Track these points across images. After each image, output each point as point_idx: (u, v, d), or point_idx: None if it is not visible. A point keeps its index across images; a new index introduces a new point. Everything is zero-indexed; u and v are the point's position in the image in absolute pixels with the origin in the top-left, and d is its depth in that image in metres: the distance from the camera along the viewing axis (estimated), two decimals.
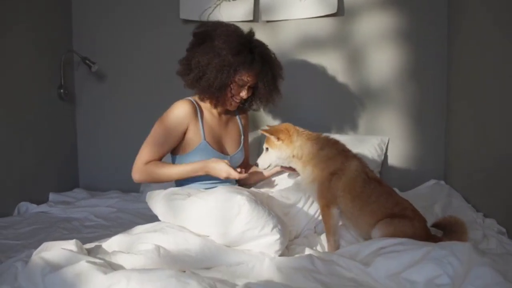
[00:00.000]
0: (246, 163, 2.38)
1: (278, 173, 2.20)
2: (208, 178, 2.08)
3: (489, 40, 2.21)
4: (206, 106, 2.19)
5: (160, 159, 2.09)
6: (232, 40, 2.06)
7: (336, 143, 1.95)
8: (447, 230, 1.77)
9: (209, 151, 2.08)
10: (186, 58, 2.15)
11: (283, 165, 2.00)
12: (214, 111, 2.21)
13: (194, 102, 2.13)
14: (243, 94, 2.13)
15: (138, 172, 2.05)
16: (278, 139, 1.88)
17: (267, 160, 1.95)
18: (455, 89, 2.76)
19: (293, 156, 1.89)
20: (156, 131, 2.07)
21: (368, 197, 1.81)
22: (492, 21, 2.17)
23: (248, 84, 2.12)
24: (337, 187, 1.81)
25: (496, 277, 1.26)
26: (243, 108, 2.30)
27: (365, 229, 1.80)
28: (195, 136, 2.09)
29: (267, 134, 1.91)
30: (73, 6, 3.25)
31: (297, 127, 1.97)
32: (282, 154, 1.90)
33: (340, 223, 1.90)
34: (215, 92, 2.06)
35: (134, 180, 2.08)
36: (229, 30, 2.12)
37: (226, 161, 1.96)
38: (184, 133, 2.08)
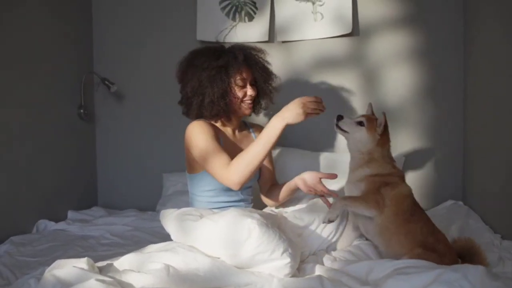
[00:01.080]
0: (272, 179, 2.36)
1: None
2: (223, 199, 2.10)
3: (506, 57, 2.19)
4: (220, 125, 2.23)
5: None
6: (207, 51, 2.17)
7: (401, 172, 2.03)
8: (463, 255, 1.74)
9: None
10: (182, 96, 2.24)
11: (351, 145, 1.97)
12: (229, 130, 2.23)
13: (207, 122, 2.15)
14: (250, 92, 2.16)
15: (230, 175, 1.93)
16: (383, 133, 1.91)
17: (352, 129, 1.93)
18: (472, 108, 2.74)
19: (369, 153, 1.90)
20: (202, 148, 2.01)
21: (409, 217, 1.81)
22: (508, 38, 2.15)
23: (248, 82, 2.17)
24: (385, 195, 1.81)
25: None
26: (255, 112, 2.33)
27: (395, 249, 1.78)
28: None
29: (382, 120, 1.91)
30: (93, 29, 3.34)
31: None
32: (368, 143, 1.90)
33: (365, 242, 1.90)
34: (221, 104, 2.09)
35: (234, 185, 1.94)
36: (200, 48, 2.24)
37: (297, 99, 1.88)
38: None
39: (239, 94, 2.14)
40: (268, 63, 2.30)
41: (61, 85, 3.00)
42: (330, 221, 1.82)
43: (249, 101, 2.18)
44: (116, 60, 3.32)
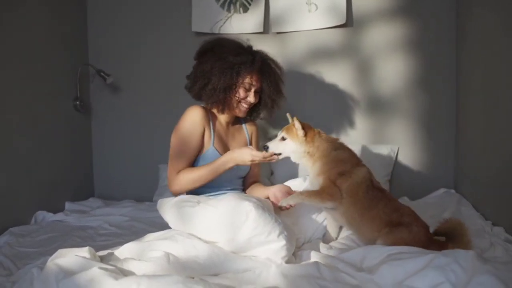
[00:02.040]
0: (256, 176, 2.41)
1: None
2: (217, 187, 2.15)
3: (498, 48, 2.22)
4: (215, 114, 2.27)
5: (191, 164, 2.14)
6: (232, 44, 2.20)
7: (350, 149, 2.03)
8: (449, 235, 1.79)
9: (216, 157, 2.13)
10: (192, 72, 2.26)
11: (292, 158, 2.01)
12: (223, 121, 2.28)
13: (205, 108, 2.20)
14: (251, 98, 2.19)
15: (173, 184, 2.10)
16: (305, 134, 1.94)
17: (280, 148, 1.97)
18: (464, 97, 2.78)
19: (308, 152, 1.95)
20: (177, 141, 2.13)
21: (369, 203, 1.86)
22: (500, 29, 2.18)
23: (254, 89, 2.19)
24: (341, 187, 1.86)
25: (497, 285, 1.28)
26: (251, 117, 2.37)
27: (368, 236, 1.84)
28: (206, 141, 2.16)
29: (298, 125, 1.94)
30: (88, 21, 3.35)
31: (318, 130, 2.04)
32: (299, 148, 1.95)
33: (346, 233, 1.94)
34: (220, 96, 2.13)
35: (172, 193, 2.12)
36: (229, 38, 2.28)
37: (249, 146, 2.02)
38: (203, 136, 2.14)
39: (241, 94, 2.17)
40: (282, 81, 2.35)
41: (56, 78, 3.02)
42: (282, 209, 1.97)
43: (246, 106, 2.21)
44: (111, 51, 3.33)
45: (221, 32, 3.09)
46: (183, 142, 2.11)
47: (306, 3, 2.99)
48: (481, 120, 2.47)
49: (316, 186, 1.94)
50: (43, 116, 2.87)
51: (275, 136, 2.07)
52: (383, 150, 2.93)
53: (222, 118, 2.28)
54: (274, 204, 2.00)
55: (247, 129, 2.39)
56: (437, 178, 2.96)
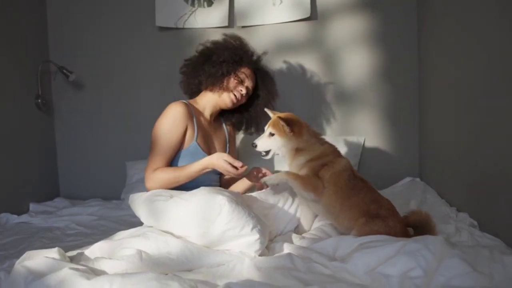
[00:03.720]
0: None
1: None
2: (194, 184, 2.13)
3: (456, 41, 2.28)
4: (198, 108, 2.28)
5: (170, 161, 2.13)
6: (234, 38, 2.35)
7: (332, 145, 2.05)
8: (416, 226, 1.84)
9: (198, 152, 2.14)
10: (187, 63, 2.35)
11: (280, 153, 1.99)
12: (206, 114, 2.30)
13: (188, 104, 2.19)
14: (243, 88, 2.24)
15: (148, 180, 2.08)
16: (292, 131, 1.90)
17: (269, 145, 1.94)
18: (426, 88, 2.84)
19: (297, 148, 1.93)
20: (158, 135, 2.11)
21: (349, 192, 1.87)
22: (460, 21, 2.24)
23: (246, 85, 2.26)
24: (323, 178, 1.87)
25: (465, 267, 1.32)
26: (243, 128, 2.47)
27: (345, 224, 1.85)
28: (189, 136, 2.16)
29: (282, 123, 1.90)
30: (48, 15, 3.26)
31: (305, 123, 2.03)
32: (289, 144, 1.93)
33: (319, 223, 1.96)
34: (224, 69, 2.19)
35: (148, 189, 2.09)
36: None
37: (225, 155, 1.99)
38: (184, 133, 2.13)
39: (235, 83, 2.24)
40: (277, 94, 2.47)
41: (16, 75, 2.93)
42: (267, 186, 2.01)
43: (236, 96, 2.25)
44: (73, 47, 3.26)
45: (186, 26, 3.06)
46: (163, 138, 2.09)
47: None
48: (442, 110, 2.53)
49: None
50: (3, 114, 2.78)
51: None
52: (350, 141, 2.97)
53: (207, 110, 2.30)
54: (256, 184, 2.09)
55: (226, 128, 2.42)
56: (403, 167, 3.03)
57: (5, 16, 2.83)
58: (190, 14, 3.07)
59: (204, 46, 2.31)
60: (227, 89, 2.23)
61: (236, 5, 3.04)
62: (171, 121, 2.10)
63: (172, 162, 2.17)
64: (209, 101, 2.29)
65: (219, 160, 1.98)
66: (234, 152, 2.50)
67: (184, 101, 2.21)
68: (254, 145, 1.96)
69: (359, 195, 1.87)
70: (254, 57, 2.36)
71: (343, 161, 1.95)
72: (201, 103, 2.30)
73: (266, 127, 1.98)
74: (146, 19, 3.15)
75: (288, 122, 1.90)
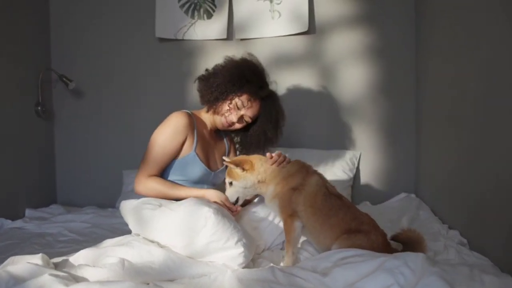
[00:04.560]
0: None
1: None
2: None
3: (454, 57, 2.29)
4: (200, 119, 2.26)
5: (162, 170, 2.11)
6: (258, 67, 2.27)
7: (297, 161, 2.00)
8: (406, 244, 1.82)
9: (196, 162, 2.12)
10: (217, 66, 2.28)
11: (249, 193, 1.98)
12: (207, 126, 2.27)
13: (191, 114, 2.19)
14: (234, 116, 2.17)
15: (139, 185, 2.06)
16: (243, 169, 1.89)
17: (234, 194, 1.94)
18: (424, 104, 2.85)
19: (258, 181, 1.91)
20: (156, 142, 2.09)
21: (328, 211, 1.85)
22: (458, 37, 2.25)
23: (244, 113, 2.18)
24: (297, 202, 1.84)
25: (443, 285, 1.32)
26: (241, 145, 2.40)
27: (326, 244, 1.83)
28: (188, 146, 2.13)
29: (231, 166, 1.90)
30: (51, 25, 3.31)
31: (259, 155, 2.01)
32: (248, 183, 1.91)
33: (303, 238, 1.95)
34: (214, 93, 2.14)
35: (136, 192, 2.08)
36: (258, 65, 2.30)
37: (223, 196, 1.98)
38: (183, 144, 2.12)
39: (230, 107, 2.17)
40: (281, 131, 2.35)
41: (17, 82, 2.97)
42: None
43: (227, 123, 2.20)
44: (74, 56, 3.30)
45: (185, 38, 3.10)
46: (161, 146, 2.07)
47: (270, 10, 3.03)
48: (440, 126, 2.54)
49: (273, 208, 1.93)
50: (3, 121, 2.81)
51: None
52: (346, 155, 2.98)
53: (208, 121, 2.27)
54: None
55: (227, 142, 2.40)
56: (398, 182, 3.03)
57: (8, 25, 2.88)
58: (190, 26, 3.11)
59: (219, 63, 2.26)
60: (218, 113, 2.20)
61: (235, 18, 3.07)
62: (171, 131, 2.08)
63: (168, 170, 2.16)
64: (208, 117, 2.28)
65: (216, 199, 1.97)
66: None
67: (187, 111, 2.20)
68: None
69: (339, 215, 1.84)
70: (263, 88, 2.23)
71: (314, 180, 1.91)
72: (204, 116, 2.28)
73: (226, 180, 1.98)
74: (146, 30, 3.19)
75: (236, 163, 1.90)
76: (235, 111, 2.17)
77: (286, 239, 1.85)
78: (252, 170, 1.90)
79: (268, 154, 1.97)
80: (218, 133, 2.37)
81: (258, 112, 2.23)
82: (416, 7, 2.94)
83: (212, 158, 2.27)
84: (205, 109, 2.27)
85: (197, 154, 2.14)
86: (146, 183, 2.05)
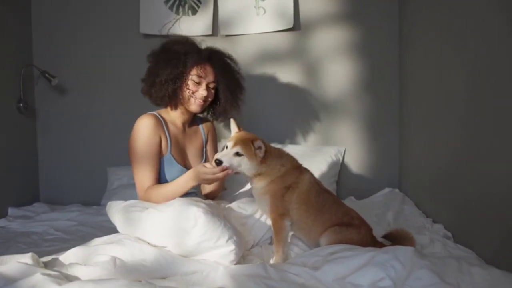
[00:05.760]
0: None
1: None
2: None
3: (436, 53, 2.33)
4: (170, 118, 2.21)
5: (157, 174, 2.08)
6: (179, 38, 2.19)
7: (292, 159, 1.97)
8: (396, 241, 1.85)
9: (173, 164, 2.11)
10: (145, 74, 2.21)
11: (243, 173, 1.88)
12: (178, 123, 2.23)
13: (157, 115, 2.15)
14: (202, 91, 2.12)
15: (145, 198, 2.03)
16: (263, 158, 1.83)
17: (233, 162, 1.81)
18: (406, 100, 2.89)
19: (258, 171, 1.85)
20: (135, 152, 2.06)
21: (321, 207, 1.87)
22: (439, 34, 2.29)
23: (206, 82, 2.13)
24: (290, 200, 1.85)
25: (433, 278, 1.36)
26: (217, 118, 2.32)
27: (316, 238, 1.85)
28: (163, 148, 2.11)
29: (262, 145, 1.82)
30: (32, 20, 3.25)
31: (270, 145, 1.94)
32: (255, 169, 1.84)
33: (291, 233, 1.95)
34: (169, 88, 2.08)
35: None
36: (178, 35, 2.29)
37: (203, 164, 1.89)
38: (160, 143, 2.09)
39: (192, 88, 2.12)
40: (240, 74, 2.28)
41: None
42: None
43: (200, 100, 2.14)
44: (56, 52, 3.25)
45: (170, 34, 3.08)
46: (142, 153, 2.05)
47: (255, 6, 3.03)
48: (422, 121, 2.58)
49: (262, 203, 1.91)
50: None
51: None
52: (331, 151, 3.00)
53: (178, 119, 2.22)
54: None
55: (203, 130, 2.35)
56: (382, 178, 3.06)
57: None
58: (175, 22, 3.09)
59: (149, 65, 2.18)
60: (185, 102, 2.15)
61: (220, 14, 3.07)
62: (145, 136, 2.05)
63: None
64: (176, 113, 2.22)
65: (195, 170, 1.91)
66: (213, 152, 2.36)
67: (153, 112, 2.16)
68: (217, 160, 1.81)
69: (331, 211, 1.87)
70: (200, 50, 2.16)
71: (307, 177, 1.91)
72: (172, 114, 2.22)
73: (230, 144, 1.85)
74: (131, 25, 3.17)
75: (264, 147, 1.84)
76: (198, 87, 2.12)
77: (275, 238, 1.85)
78: (264, 161, 1.84)
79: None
80: (193, 124, 2.32)
81: (214, 72, 2.15)
82: (400, 3, 2.98)
83: (189, 154, 2.25)
84: (169, 108, 2.21)
85: (172, 155, 2.12)
86: (149, 197, 2.01)
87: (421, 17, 2.58)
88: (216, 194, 2.38)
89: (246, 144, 1.82)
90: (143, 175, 2.05)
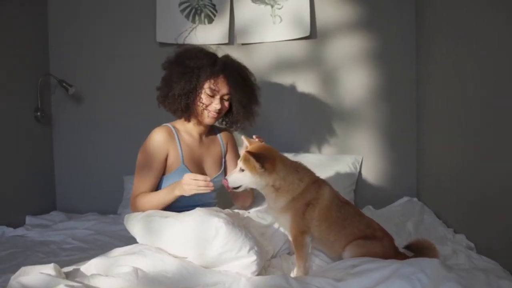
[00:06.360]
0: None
1: None
2: (188, 203, 2.09)
3: (454, 61, 2.30)
4: (185, 129, 2.21)
5: (153, 188, 2.11)
6: (193, 50, 2.16)
7: (310, 172, 1.90)
8: (418, 252, 1.82)
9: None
10: (160, 81, 2.21)
11: (254, 187, 1.84)
12: (195, 133, 2.23)
13: (171, 127, 2.16)
14: (216, 104, 2.11)
15: (132, 206, 2.11)
16: (263, 167, 1.74)
17: (239, 181, 1.79)
18: (424, 107, 2.86)
19: (272, 185, 1.78)
20: (140, 162, 2.11)
21: (343, 221, 1.82)
22: (457, 41, 2.26)
23: (220, 95, 2.12)
24: (311, 217, 1.80)
25: None
26: (230, 128, 2.32)
27: (339, 252, 1.82)
28: (175, 160, 2.12)
29: (252, 158, 1.72)
30: (49, 29, 3.28)
31: (281, 155, 1.87)
32: (261, 181, 1.77)
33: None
34: (182, 102, 2.08)
35: (131, 209, 2.12)
36: (193, 45, 2.28)
37: (188, 175, 1.90)
38: (166, 159, 2.11)
39: (205, 101, 2.11)
40: (255, 86, 2.25)
41: (16, 88, 2.94)
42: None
43: (214, 113, 2.13)
44: (73, 61, 3.27)
45: (186, 42, 3.08)
46: (147, 163, 2.09)
47: (271, 15, 3.03)
48: (440, 129, 2.55)
49: (283, 222, 1.87)
50: (2, 127, 2.78)
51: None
52: (348, 160, 2.98)
53: (194, 130, 2.22)
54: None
55: (222, 139, 2.34)
56: (400, 186, 3.03)
57: (7, 29, 2.86)
58: (191, 31, 3.10)
59: (164, 75, 2.19)
60: (198, 115, 2.15)
61: (236, 22, 3.07)
62: (152, 148, 2.09)
63: (164, 184, 2.14)
64: (192, 125, 2.22)
65: (181, 180, 1.92)
66: (235, 161, 2.31)
67: (167, 124, 2.18)
68: (225, 181, 1.82)
69: (353, 224, 1.82)
70: (215, 62, 2.13)
71: (326, 192, 1.84)
72: (187, 125, 2.22)
73: (238, 161, 1.82)
74: (147, 34, 3.18)
75: (258, 157, 1.73)
76: (211, 100, 2.11)
77: (296, 254, 1.81)
78: (272, 172, 1.76)
79: (255, 136, 1.92)
80: (210, 134, 2.32)
81: (228, 84, 2.13)
82: (417, 11, 2.96)
83: (206, 165, 2.25)
84: (182, 120, 2.20)
85: (186, 166, 2.13)
86: (136, 203, 2.07)
87: (439, 24, 2.55)
88: (248, 203, 2.36)
89: (247, 159, 1.76)
90: (139, 184, 2.10)
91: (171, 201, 2.02)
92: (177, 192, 1.96)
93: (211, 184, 1.87)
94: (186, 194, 1.93)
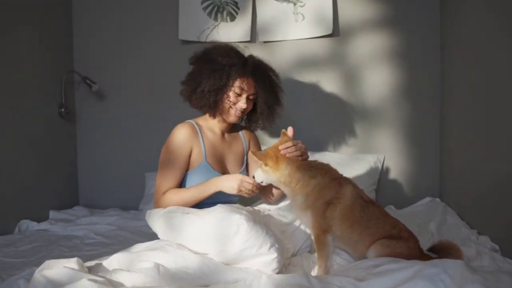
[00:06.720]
0: None
1: None
2: (209, 199, 2.09)
3: (480, 60, 2.26)
4: (207, 125, 2.22)
5: (178, 184, 2.12)
6: (224, 48, 2.17)
7: (328, 170, 1.90)
8: (442, 253, 1.79)
9: (209, 171, 2.11)
10: (186, 76, 2.22)
11: (271, 183, 1.93)
12: (217, 130, 2.24)
13: (194, 124, 2.17)
14: (242, 104, 2.12)
15: (158, 203, 2.09)
16: (266, 165, 1.84)
17: (260, 177, 1.90)
18: (448, 107, 2.82)
19: (280, 182, 1.85)
20: (163, 159, 2.12)
21: (367, 221, 1.79)
22: (483, 40, 2.22)
23: (246, 94, 2.13)
24: (332, 216, 1.78)
25: None
26: (251, 126, 2.34)
27: (363, 252, 1.79)
28: (198, 156, 2.13)
29: (254, 158, 1.85)
30: (74, 28, 3.33)
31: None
32: (270, 177, 1.87)
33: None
34: (210, 99, 2.09)
35: (155, 206, 2.12)
36: (222, 43, 2.26)
37: (239, 175, 1.99)
38: (190, 155, 2.12)
39: (232, 99, 2.12)
40: (280, 88, 2.28)
41: (41, 84, 2.99)
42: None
43: (239, 112, 2.14)
44: (97, 59, 3.31)
45: (208, 40, 3.09)
46: (170, 160, 2.09)
47: (293, 12, 3.02)
48: (464, 129, 2.51)
49: (303, 220, 1.88)
50: (27, 123, 2.83)
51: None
52: (370, 159, 2.96)
53: (217, 127, 2.24)
54: None
55: (244, 137, 2.34)
56: (423, 186, 3.00)
57: (32, 27, 2.91)
58: (213, 28, 3.11)
59: (191, 71, 2.21)
60: (223, 113, 2.16)
61: (258, 20, 3.07)
62: (176, 144, 2.09)
63: (186, 180, 2.15)
64: (215, 121, 2.24)
65: (230, 177, 2.01)
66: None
67: (190, 121, 2.19)
68: (253, 176, 1.96)
69: (378, 224, 1.79)
70: (246, 63, 2.15)
71: (348, 191, 1.82)
72: (211, 121, 2.24)
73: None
74: (169, 32, 3.20)
75: (260, 157, 1.85)
76: (238, 98, 2.13)
77: (317, 253, 1.80)
78: (275, 169, 1.83)
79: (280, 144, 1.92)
80: (233, 131, 2.33)
81: (255, 85, 2.15)
82: (441, 9, 2.91)
83: (228, 161, 2.25)
84: (207, 115, 2.22)
85: (208, 162, 2.13)
86: (163, 201, 2.06)
87: (464, 20, 2.51)
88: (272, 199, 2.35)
89: (251, 156, 1.93)
90: (164, 181, 2.09)
91: (205, 198, 2.04)
92: (214, 189, 2.02)
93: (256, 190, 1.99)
94: (229, 192, 2.00)
